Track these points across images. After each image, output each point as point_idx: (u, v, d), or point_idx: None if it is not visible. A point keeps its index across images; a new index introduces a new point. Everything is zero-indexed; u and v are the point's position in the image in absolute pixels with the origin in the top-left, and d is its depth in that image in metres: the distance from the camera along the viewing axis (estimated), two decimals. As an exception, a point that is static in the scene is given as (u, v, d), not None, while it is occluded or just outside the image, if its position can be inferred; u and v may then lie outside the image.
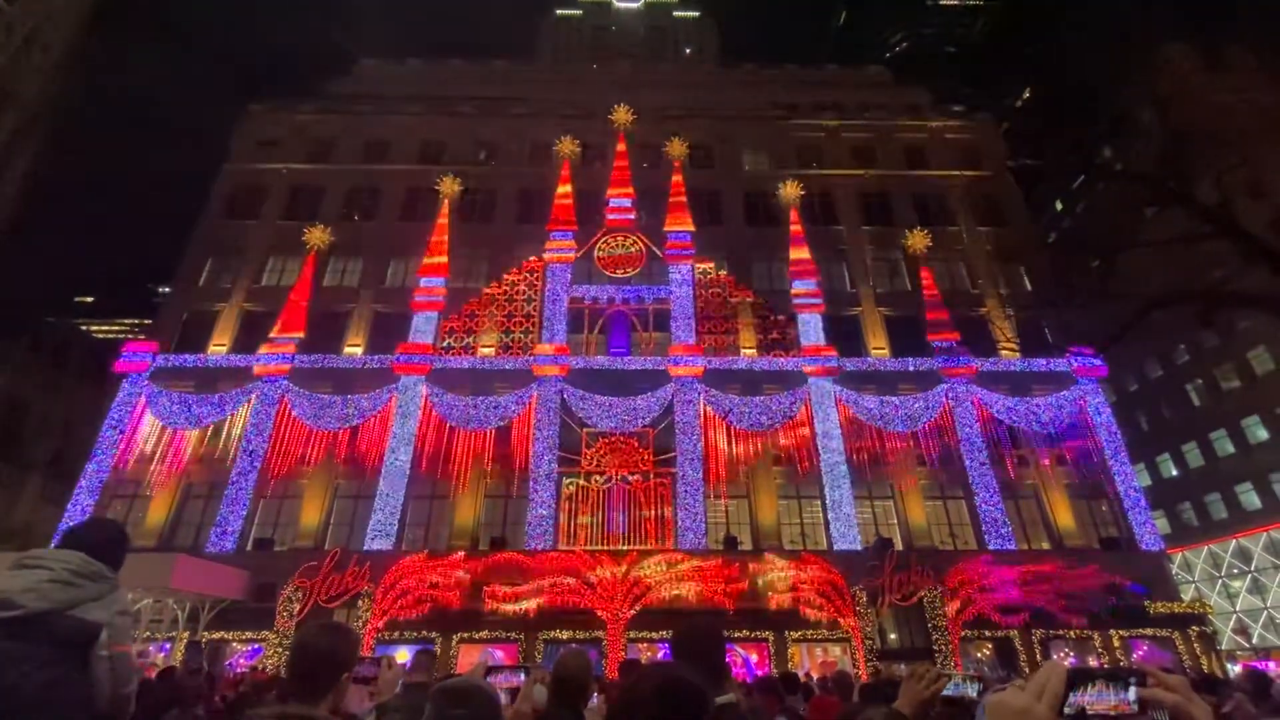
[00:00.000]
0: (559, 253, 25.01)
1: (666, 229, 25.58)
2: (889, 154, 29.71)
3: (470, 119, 30.41)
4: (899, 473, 21.42)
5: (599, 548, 19.75)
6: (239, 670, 16.43)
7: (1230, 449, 33.89)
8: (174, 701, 5.86)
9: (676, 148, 27.59)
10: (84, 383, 38.83)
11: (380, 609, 18.24)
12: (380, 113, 30.45)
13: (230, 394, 21.88)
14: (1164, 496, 36.79)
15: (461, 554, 19.30)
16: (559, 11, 68.21)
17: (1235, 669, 22.24)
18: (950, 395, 22.38)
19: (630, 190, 26.54)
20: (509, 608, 18.16)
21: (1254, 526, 31.93)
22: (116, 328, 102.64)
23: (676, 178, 26.70)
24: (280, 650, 17.31)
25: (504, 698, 2.83)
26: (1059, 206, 49.22)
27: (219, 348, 23.61)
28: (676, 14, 71.51)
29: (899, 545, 20.37)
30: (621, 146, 27.64)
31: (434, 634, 18.19)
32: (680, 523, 20.26)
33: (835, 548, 19.98)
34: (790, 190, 26.72)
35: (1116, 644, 18.63)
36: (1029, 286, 25.85)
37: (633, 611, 18.14)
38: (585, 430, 21.76)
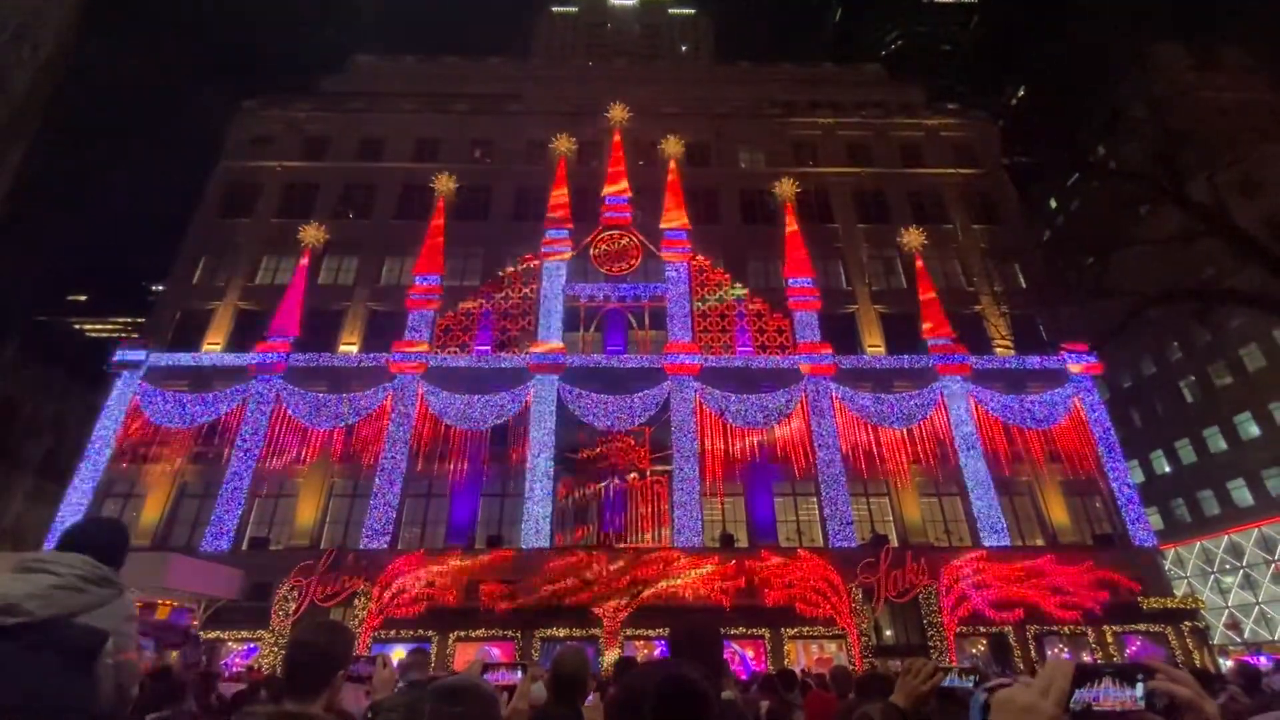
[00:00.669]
0: (555, 250, 24.95)
1: (662, 226, 25.55)
2: (884, 152, 29.75)
3: (465, 116, 30.31)
4: (894, 470, 21.49)
5: (595, 546, 19.77)
6: (235, 669, 16.38)
7: (1223, 445, 34.14)
8: (170, 698, 5.83)
9: (672, 145, 27.57)
10: (76, 382, 38.62)
11: (377, 607, 18.22)
12: (375, 110, 30.33)
13: (225, 393, 21.78)
14: (1157, 493, 37.04)
15: (458, 552, 19.29)
16: (554, 9, 68.03)
17: (1227, 664, 22.40)
18: (945, 392, 22.46)
19: (626, 188, 26.49)
20: (506, 606, 18.17)
21: (1246, 522, 32.18)
22: (109, 326, 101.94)
23: (672, 176, 26.68)
24: (276, 649, 17.27)
25: (501, 696, 2.82)
26: (1053, 204, 49.35)
27: (213, 346, 23.49)
28: (672, 11, 71.42)
29: (894, 542, 20.46)
30: (617, 144, 27.60)
31: (431, 632, 18.17)
32: (676, 520, 20.28)
33: (831, 545, 20.05)
34: (786, 188, 26.73)
35: (1110, 640, 18.76)
36: (1024, 284, 25.96)
37: (629, 609, 18.17)
38: (581, 428, 21.76)
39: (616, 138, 27.79)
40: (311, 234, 25.08)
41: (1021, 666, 16.98)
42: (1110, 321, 14.95)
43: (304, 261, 24.58)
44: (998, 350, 22.76)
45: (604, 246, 25.47)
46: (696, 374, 22.48)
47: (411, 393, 21.99)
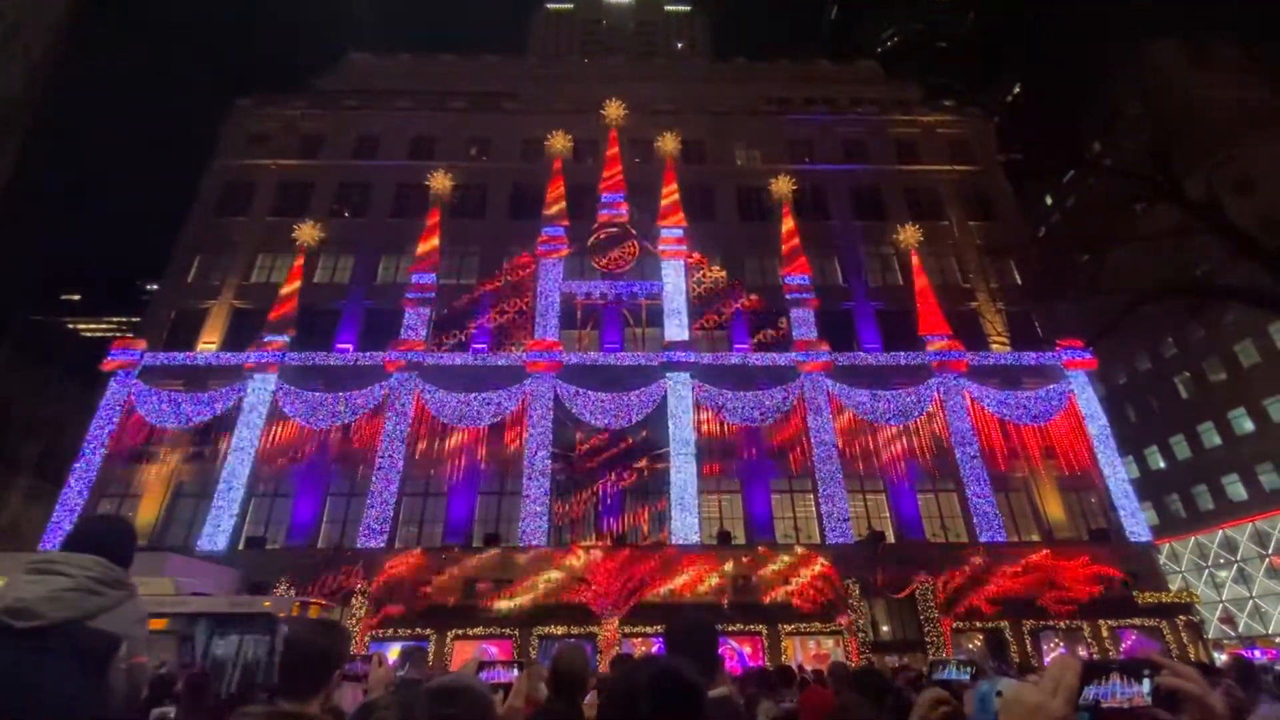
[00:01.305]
0: (551, 248, 24.92)
1: (659, 224, 25.53)
2: (880, 149, 29.75)
3: (461, 114, 30.20)
4: (891, 466, 21.54)
5: (593, 543, 19.78)
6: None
7: (1217, 441, 34.33)
8: (169, 697, 5.84)
9: (668, 143, 27.53)
10: (71, 381, 38.43)
11: (374, 606, 18.20)
12: (371, 108, 30.18)
13: (220, 392, 21.70)
14: (1152, 488, 37.24)
15: (455, 551, 19.28)
16: (550, 6, 67.81)
17: (1222, 657, 22.56)
18: (941, 389, 22.51)
19: (622, 185, 26.45)
20: (503, 604, 18.18)
21: (1240, 517, 32.38)
22: (104, 326, 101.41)
23: (669, 173, 26.64)
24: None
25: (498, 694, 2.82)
26: (1049, 201, 49.49)
27: (208, 345, 23.40)
28: (668, 8, 71.28)
29: (891, 538, 20.52)
30: (613, 141, 27.55)
31: (428, 631, 18.17)
32: (674, 518, 20.30)
33: (828, 541, 20.10)
34: (782, 185, 26.71)
35: (1105, 634, 18.87)
36: (1019, 280, 26.00)
37: (627, 606, 18.19)
38: (579, 426, 21.75)
39: (613, 135, 27.74)
40: (307, 232, 24.97)
41: (1018, 661, 17.07)
42: (1105, 318, 15.00)
43: (299, 260, 24.49)
44: (994, 346, 22.82)
45: (601, 244, 25.43)
46: (693, 371, 22.49)
47: (408, 391, 21.95)
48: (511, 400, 21.86)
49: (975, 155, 29.09)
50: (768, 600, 18.66)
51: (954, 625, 18.68)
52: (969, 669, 2.51)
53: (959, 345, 23.22)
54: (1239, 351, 33.05)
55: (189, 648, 12.14)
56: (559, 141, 27.57)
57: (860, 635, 18.18)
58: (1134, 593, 19.05)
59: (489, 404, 21.67)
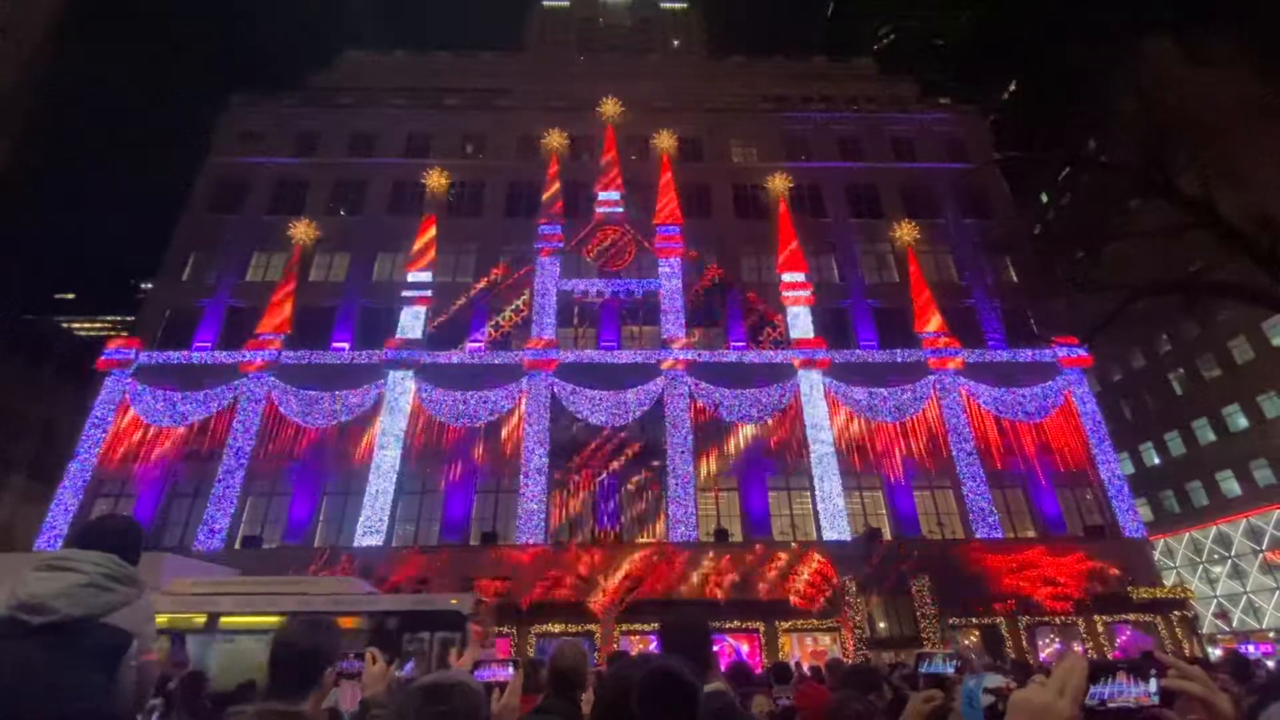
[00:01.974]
0: (548, 246, 24.87)
1: (655, 222, 25.49)
2: (876, 146, 29.76)
3: (457, 112, 30.10)
4: (887, 463, 21.58)
5: (590, 541, 19.77)
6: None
7: (1211, 437, 34.49)
8: (159, 695, 5.82)
9: (665, 140, 27.50)
10: (65, 381, 38.20)
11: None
12: (366, 105, 30.06)
13: (215, 391, 21.62)
14: (1147, 484, 37.40)
15: (453, 549, 19.26)
16: (546, 3, 67.56)
17: (1216, 652, 22.71)
18: (938, 386, 22.56)
19: (619, 183, 26.41)
20: (501, 602, 18.15)
21: (1234, 513, 32.56)
22: (98, 325, 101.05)
23: (665, 170, 26.61)
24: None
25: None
26: (1044, 198, 49.55)
27: (204, 344, 23.31)
28: (664, 5, 71.12)
29: (888, 535, 20.57)
30: (610, 139, 27.49)
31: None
32: (671, 515, 20.32)
33: (825, 538, 20.14)
34: (779, 182, 26.70)
35: (1100, 629, 18.96)
36: (1015, 278, 26.05)
37: (624, 604, 18.20)
38: (576, 423, 21.74)
39: (609, 133, 27.69)
40: (302, 230, 24.87)
41: (1014, 657, 17.15)
42: (1100, 315, 15.06)
43: (295, 258, 24.39)
44: (990, 344, 22.87)
45: (597, 242, 25.40)
46: (690, 369, 22.49)
47: (405, 390, 21.90)
48: (508, 398, 21.83)
49: (971, 152, 29.09)
50: (765, 597, 18.69)
51: (950, 621, 18.74)
52: (955, 662, 2.52)
53: (955, 343, 23.26)
54: (1233, 348, 33.19)
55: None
56: (555, 139, 27.50)
57: (857, 632, 18.22)
58: (1129, 588, 19.14)
59: (486, 402, 21.64)
